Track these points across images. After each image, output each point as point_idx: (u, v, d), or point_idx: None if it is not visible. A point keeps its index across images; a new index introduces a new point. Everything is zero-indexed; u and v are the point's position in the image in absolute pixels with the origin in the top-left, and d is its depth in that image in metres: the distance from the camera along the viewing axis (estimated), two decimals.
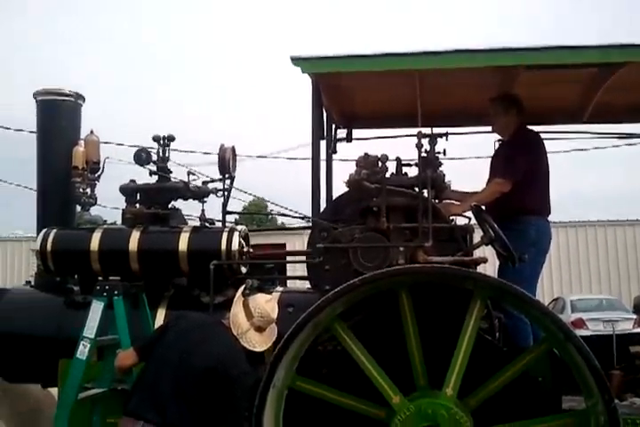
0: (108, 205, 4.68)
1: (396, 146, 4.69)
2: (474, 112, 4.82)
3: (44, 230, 4.44)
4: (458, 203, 4.52)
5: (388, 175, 4.02)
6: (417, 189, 3.92)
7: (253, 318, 3.42)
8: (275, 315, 3.49)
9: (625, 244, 21.09)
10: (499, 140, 4.82)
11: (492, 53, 3.81)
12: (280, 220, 24.51)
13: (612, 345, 4.34)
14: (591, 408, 3.32)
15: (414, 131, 3.98)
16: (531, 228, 4.33)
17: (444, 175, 4.14)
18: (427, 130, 4.15)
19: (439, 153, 4.04)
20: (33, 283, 4.85)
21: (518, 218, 4.33)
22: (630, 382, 4.05)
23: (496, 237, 3.83)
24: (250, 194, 4.35)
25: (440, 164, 4.08)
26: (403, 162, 4.22)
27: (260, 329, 3.44)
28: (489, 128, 4.82)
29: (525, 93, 4.46)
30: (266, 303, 3.48)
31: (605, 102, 4.52)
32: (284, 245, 17.34)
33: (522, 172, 4.32)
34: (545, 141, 4.57)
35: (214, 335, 3.37)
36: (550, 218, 4.57)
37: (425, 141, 3.94)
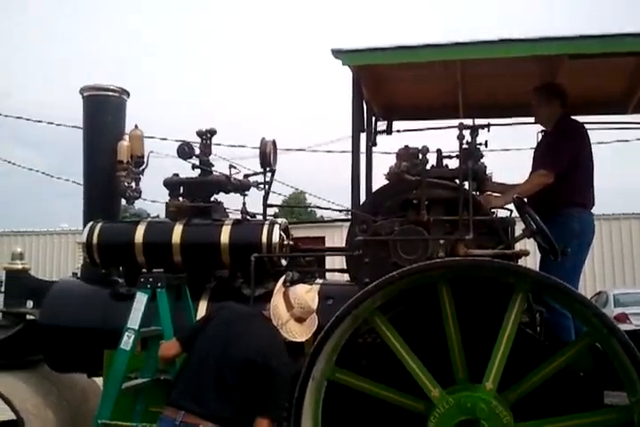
0: (148, 198, 4.77)
1: (437, 138, 4.67)
2: (516, 103, 4.74)
3: (90, 223, 4.54)
4: (499, 195, 4.46)
5: (428, 167, 3.99)
6: (458, 182, 3.89)
7: (293, 309, 3.44)
8: (315, 305, 3.51)
9: None
10: (541, 131, 4.74)
11: (534, 42, 3.74)
12: (319, 213, 24.59)
13: None
14: (635, 404, 3.26)
15: (455, 122, 3.95)
16: (574, 220, 4.24)
17: (486, 167, 4.11)
18: (468, 121, 4.11)
19: (480, 144, 3.99)
20: (79, 275, 4.99)
21: (561, 210, 4.24)
22: None
23: (538, 229, 3.77)
24: (291, 187, 4.37)
25: (481, 155, 4.04)
26: (443, 154, 4.18)
27: (300, 320, 3.46)
28: (531, 119, 4.74)
29: (569, 83, 4.37)
30: (306, 294, 3.49)
31: None
32: (323, 239, 17.39)
33: (565, 163, 4.22)
34: (590, 132, 4.48)
35: (255, 327, 3.40)
36: (593, 210, 4.48)
37: (466, 133, 3.90)
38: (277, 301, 3.47)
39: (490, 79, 4.42)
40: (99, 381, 4.63)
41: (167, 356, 3.54)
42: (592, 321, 3.27)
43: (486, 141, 4.02)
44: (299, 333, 3.45)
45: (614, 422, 3.34)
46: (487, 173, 4.19)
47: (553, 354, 3.41)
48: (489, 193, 4.46)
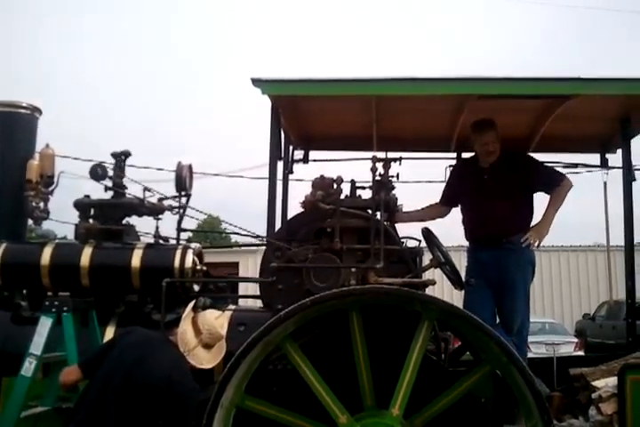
0: (58, 218, 4.65)
1: (353, 169, 4.79)
2: (426, 138, 4.96)
3: None
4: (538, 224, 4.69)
5: (342, 197, 4.08)
6: (370, 212, 4.00)
7: (201, 335, 3.40)
8: (224, 331, 3.49)
9: (568, 268, 21.71)
10: (451, 166, 4.98)
11: (445, 82, 3.95)
12: (233, 238, 24.49)
13: (552, 367, 4.46)
14: None
15: (369, 154, 4.08)
16: (528, 246, 4.56)
17: (397, 198, 4.24)
18: (381, 154, 4.25)
19: (392, 177, 4.13)
20: None
21: (519, 237, 4.53)
22: (569, 404, 4.15)
23: (445, 260, 3.92)
24: (204, 213, 4.35)
25: (393, 187, 4.17)
26: (357, 184, 4.30)
27: (207, 346, 3.42)
28: (441, 154, 4.98)
29: (472, 121, 4.61)
30: (215, 320, 3.47)
31: (552, 132, 4.71)
32: (237, 264, 17.26)
33: None
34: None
35: (160, 352, 3.31)
36: None
37: (379, 165, 4.04)
38: (186, 326, 3.42)
39: (403, 115, 4.60)
40: None
41: (68, 382, 3.40)
42: (493, 349, 3.41)
43: (397, 174, 4.17)
44: (206, 359, 3.41)
45: None
46: (398, 204, 4.33)
47: (456, 380, 3.53)
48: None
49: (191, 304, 3.61)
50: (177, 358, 3.32)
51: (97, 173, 4.39)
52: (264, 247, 4.25)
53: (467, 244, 4.97)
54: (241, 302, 5.20)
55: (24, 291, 4.48)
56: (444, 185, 5.03)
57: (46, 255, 4.25)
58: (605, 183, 5.04)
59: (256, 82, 3.96)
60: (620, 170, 4.56)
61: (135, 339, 3.38)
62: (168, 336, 3.46)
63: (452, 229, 5.27)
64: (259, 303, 4.58)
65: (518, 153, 4.82)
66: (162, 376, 3.18)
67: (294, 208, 4.48)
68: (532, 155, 4.91)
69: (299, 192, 4.37)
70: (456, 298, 4.80)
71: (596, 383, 3.85)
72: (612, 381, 3.74)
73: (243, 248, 19.47)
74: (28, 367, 3.64)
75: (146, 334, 3.48)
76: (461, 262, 4.79)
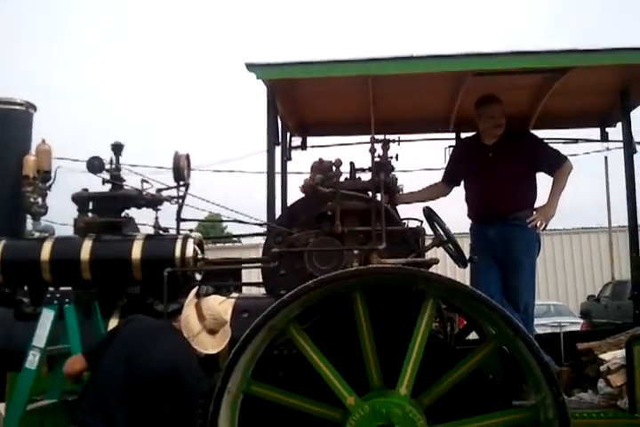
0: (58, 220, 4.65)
1: (352, 153, 4.76)
2: (424, 118, 4.92)
3: None
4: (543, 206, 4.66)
5: (342, 180, 4.05)
6: (370, 194, 3.97)
7: (205, 320, 3.37)
8: (227, 317, 3.46)
9: (571, 251, 21.74)
10: (450, 147, 4.95)
11: (441, 59, 3.91)
12: (234, 232, 24.53)
13: (559, 344, 4.43)
14: (540, 403, 3.38)
15: (368, 138, 4.05)
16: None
17: (397, 179, 4.21)
18: (380, 137, 4.22)
19: (391, 158, 4.10)
20: None
21: (523, 214, 4.53)
22: (577, 379, 4.13)
23: (447, 238, 3.89)
24: (207, 201, 4.31)
25: (392, 168, 4.14)
26: (356, 167, 4.27)
27: (212, 332, 3.39)
28: (439, 135, 4.94)
29: (472, 100, 4.57)
30: (219, 305, 3.44)
31: (551, 108, 4.67)
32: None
33: None
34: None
35: (164, 339, 3.28)
36: None
37: (378, 146, 4.01)
38: (189, 312, 3.39)
39: (401, 95, 4.57)
40: (2, 407, 4.37)
41: (72, 372, 3.37)
42: (499, 324, 3.38)
43: (397, 155, 4.14)
44: (211, 345, 3.38)
45: (522, 420, 3.45)
46: (398, 184, 4.30)
47: (463, 358, 3.50)
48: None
49: (194, 290, 3.58)
50: (181, 345, 3.29)
51: (94, 165, 4.36)
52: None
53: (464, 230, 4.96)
54: (244, 291, 5.17)
55: (25, 287, 4.46)
56: (442, 167, 5.00)
57: (46, 250, 4.22)
58: (606, 158, 5.02)
59: (250, 66, 3.94)
60: (619, 150, 4.53)
61: (138, 326, 3.35)
62: (171, 322, 3.44)
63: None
64: (262, 292, 4.55)
65: (521, 131, 4.78)
66: (166, 364, 3.15)
67: (294, 196, 4.46)
68: (533, 132, 4.88)
69: (297, 184, 4.34)
70: (459, 278, 4.77)
71: (604, 356, 3.82)
72: (620, 353, 3.71)
73: (244, 243, 19.56)
74: (32, 360, 3.60)
75: (149, 321, 3.46)
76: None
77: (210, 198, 4.52)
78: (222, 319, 3.43)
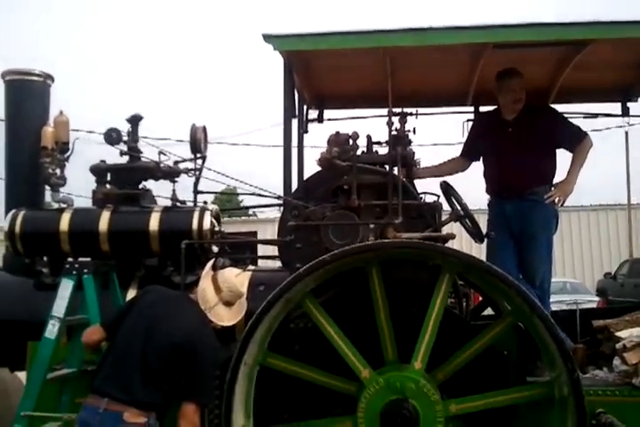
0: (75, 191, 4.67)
1: (369, 126, 4.72)
2: (442, 92, 4.85)
3: (13, 211, 4.36)
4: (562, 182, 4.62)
5: (358, 153, 4.03)
6: (387, 167, 3.95)
7: (222, 293, 3.39)
8: (244, 289, 3.48)
9: (588, 228, 21.55)
10: (469, 121, 4.89)
11: (459, 31, 3.84)
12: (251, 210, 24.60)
13: (575, 321, 4.43)
14: (554, 380, 3.38)
15: (385, 111, 4.01)
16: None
17: (414, 153, 4.17)
18: (398, 109, 4.18)
19: (409, 131, 4.06)
20: (1, 265, 4.80)
21: (541, 189, 4.50)
22: (593, 356, 4.13)
23: (464, 213, 3.87)
24: (222, 174, 4.29)
25: (410, 142, 4.10)
26: (373, 140, 4.24)
27: (228, 304, 3.42)
28: (458, 108, 4.88)
29: (492, 74, 4.50)
30: (235, 277, 3.46)
31: (571, 82, 4.59)
32: (255, 234, 17.48)
33: None
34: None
35: (181, 310, 3.32)
36: None
37: (395, 119, 3.97)
38: (205, 284, 3.41)
39: (418, 68, 4.50)
40: (22, 375, 4.46)
41: (91, 341, 3.42)
42: (514, 300, 3.37)
43: (414, 128, 4.10)
44: (227, 317, 3.40)
45: (537, 396, 3.46)
46: (415, 158, 4.26)
47: (478, 333, 3.51)
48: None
49: (210, 263, 3.60)
50: (198, 316, 3.32)
51: (112, 137, 4.36)
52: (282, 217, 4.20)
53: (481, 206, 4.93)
54: (260, 264, 5.20)
55: (45, 258, 4.51)
56: (460, 141, 4.95)
57: (65, 221, 4.25)
58: (627, 133, 4.94)
59: (268, 37, 3.89)
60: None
61: (155, 297, 3.38)
62: (188, 294, 3.46)
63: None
64: (278, 265, 4.57)
65: (542, 106, 4.71)
66: (183, 335, 3.18)
67: (311, 170, 4.43)
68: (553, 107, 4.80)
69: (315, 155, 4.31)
70: (475, 253, 4.77)
71: (620, 334, 3.81)
72: (636, 331, 3.71)
73: (261, 217, 19.67)
74: (52, 330, 3.66)
75: (166, 292, 3.49)
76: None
77: (227, 172, 4.51)
78: (238, 291, 3.45)
